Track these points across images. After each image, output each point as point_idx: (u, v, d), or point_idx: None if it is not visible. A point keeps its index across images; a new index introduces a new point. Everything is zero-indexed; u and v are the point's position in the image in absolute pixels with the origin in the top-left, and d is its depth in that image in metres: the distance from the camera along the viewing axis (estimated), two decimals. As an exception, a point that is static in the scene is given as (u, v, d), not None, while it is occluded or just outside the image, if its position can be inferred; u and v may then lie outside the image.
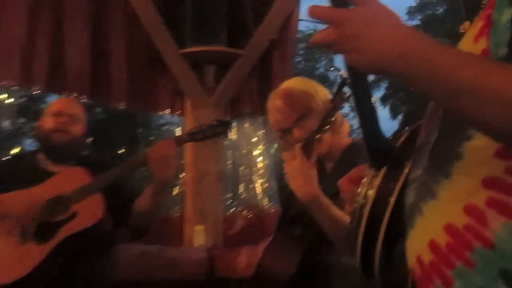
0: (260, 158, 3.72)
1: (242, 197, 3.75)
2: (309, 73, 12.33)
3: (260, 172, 3.66)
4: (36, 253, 2.23)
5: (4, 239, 2.23)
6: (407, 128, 1.05)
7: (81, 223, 2.25)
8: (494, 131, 0.73)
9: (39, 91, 3.18)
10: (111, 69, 3.29)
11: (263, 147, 3.81)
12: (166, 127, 4.17)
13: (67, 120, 2.41)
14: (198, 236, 3.58)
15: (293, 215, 1.93)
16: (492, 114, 0.70)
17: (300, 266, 1.82)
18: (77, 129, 2.43)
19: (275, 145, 3.88)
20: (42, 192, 2.28)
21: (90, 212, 2.28)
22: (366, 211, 0.98)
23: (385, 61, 0.74)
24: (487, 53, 0.79)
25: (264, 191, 3.64)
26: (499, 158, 0.78)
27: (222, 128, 2.33)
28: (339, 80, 1.84)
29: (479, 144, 0.79)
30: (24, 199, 2.27)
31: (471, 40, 0.84)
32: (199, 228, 3.57)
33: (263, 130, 3.70)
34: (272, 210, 3.62)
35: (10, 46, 3.03)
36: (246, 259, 2.32)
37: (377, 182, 0.99)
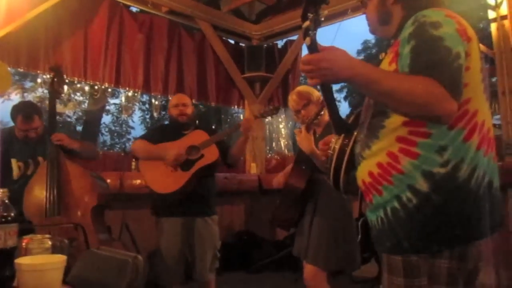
0: (283, 130, 5.92)
1: (274, 149, 5.90)
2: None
3: (283, 136, 5.87)
4: (183, 177, 2.85)
5: (165, 169, 2.88)
6: (354, 112, 1.46)
7: (207, 160, 2.90)
8: (401, 111, 1.15)
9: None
10: (208, 85, 5.35)
11: (285, 124, 5.96)
12: (235, 114, 6.06)
13: (182, 107, 3.07)
14: (253, 169, 5.65)
15: (302, 159, 2.50)
16: (399, 103, 1.11)
17: (306, 183, 2.45)
18: (190, 110, 3.09)
19: (290, 123, 6.20)
20: (183, 143, 2.93)
21: (211, 154, 2.91)
22: (335, 155, 1.40)
23: (342, 79, 1.12)
24: (396, 71, 1.20)
25: (285, 146, 5.89)
26: (404, 126, 1.19)
27: (275, 111, 3.06)
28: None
29: (393, 120, 1.21)
30: (175, 146, 2.91)
31: (387, 64, 1.25)
32: (253, 164, 5.65)
33: (284, 115, 5.92)
34: (290, 155, 5.80)
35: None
36: (277, 179, 2.68)
37: (339, 141, 1.40)
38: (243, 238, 5.20)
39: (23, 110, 2.76)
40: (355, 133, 1.39)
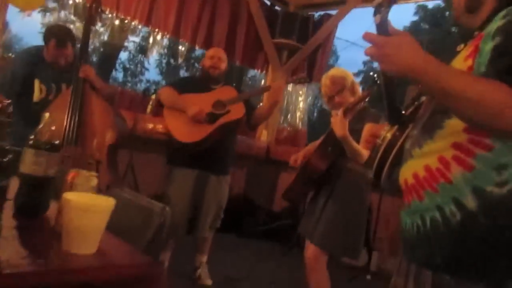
0: (301, 103, 5.83)
1: (288, 120, 5.84)
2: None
3: (300, 109, 5.80)
4: (206, 129, 2.86)
5: (190, 120, 2.88)
6: (415, 103, 1.36)
7: (232, 116, 2.91)
8: (464, 118, 1.03)
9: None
10: (237, 42, 5.30)
11: (304, 97, 5.86)
12: (256, 77, 6.08)
13: (217, 61, 3.06)
14: (264, 136, 5.65)
15: (330, 141, 2.41)
16: (467, 109, 0.99)
17: (328, 166, 2.39)
18: (223, 66, 3.10)
19: (310, 99, 6.10)
20: (210, 97, 2.97)
21: (237, 111, 2.93)
22: (383, 146, 1.34)
23: (405, 72, 1.01)
24: (471, 69, 1.06)
25: (300, 120, 5.82)
26: (465, 132, 1.06)
27: (307, 79, 3.10)
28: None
29: (454, 122, 1.07)
30: (200, 100, 2.93)
31: (462, 59, 1.12)
32: (265, 131, 5.62)
33: (305, 88, 5.83)
34: (303, 130, 5.81)
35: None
36: (296, 157, 2.60)
37: (391, 132, 1.35)
38: (240, 202, 5.20)
39: (57, 35, 2.66)
40: (409, 128, 1.28)
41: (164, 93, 3.04)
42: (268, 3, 5.69)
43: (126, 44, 13.92)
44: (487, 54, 1.01)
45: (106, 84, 3.03)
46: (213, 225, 3.08)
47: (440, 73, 0.99)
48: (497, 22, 1.04)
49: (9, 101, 0.97)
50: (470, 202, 1.03)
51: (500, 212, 1.01)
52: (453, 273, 1.07)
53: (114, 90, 3.20)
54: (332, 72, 2.58)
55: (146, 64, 16.36)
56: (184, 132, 2.85)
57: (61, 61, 2.71)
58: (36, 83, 2.70)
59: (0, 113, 0.97)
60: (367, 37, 1.04)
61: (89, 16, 2.71)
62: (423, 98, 1.31)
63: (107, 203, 1.01)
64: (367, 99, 2.34)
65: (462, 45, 1.21)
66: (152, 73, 16.18)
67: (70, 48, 2.71)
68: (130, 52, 15.51)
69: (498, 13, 1.07)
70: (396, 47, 1.01)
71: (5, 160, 0.97)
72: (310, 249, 2.39)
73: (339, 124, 2.19)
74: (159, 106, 3.08)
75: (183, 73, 16.84)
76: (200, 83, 3.11)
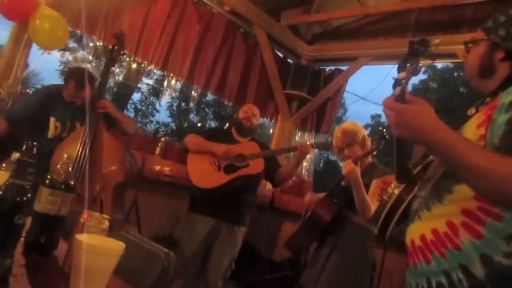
0: (309, 154, 5.86)
1: None
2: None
3: (306, 160, 5.77)
4: (223, 178, 2.97)
5: (209, 166, 3.03)
6: (423, 162, 1.35)
7: (250, 170, 3.01)
8: (475, 188, 1.05)
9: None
10: (248, 91, 5.33)
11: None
12: (265, 124, 6.07)
13: (251, 115, 3.25)
14: (268, 185, 5.50)
15: (336, 191, 2.47)
16: (480, 184, 1.01)
17: (333, 218, 2.39)
18: (255, 121, 3.28)
19: (316, 150, 5.85)
20: (234, 148, 3.06)
21: (256, 166, 3.02)
22: (390, 203, 1.35)
23: (419, 140, 1.04)
24: (484, 138, 1.07)
25: (306, 170, 5.87)
26: (475, 200, 1.07)
27: (330, 147, 2.96)
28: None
29: (465, 188, 1.08)
30: (225, 149, 3.05)
31: (475, 126, 1.12)
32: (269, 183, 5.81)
33: (313, 139, 5.82)
34: (308, 180, 5.82)
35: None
36: (309, 197, 2.68)
37: (399, 189, 1.35)
38: (240, 249, 5.10)
39: (77, 78, 2.76)
40: (417, 187, 1.30)
41: (191, 138, 3.17)
42: (282, 55, 5.84)
43: (139, 85, 14.26)
44: (501, 126, 1.03)
45: (125, 114, 3.15)
46: (225, 275, 3.09)
47: (459, 146, 1.01)
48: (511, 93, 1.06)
49: (35, 143, 1.00)
50: (478, 270, 1.03)
51: (507, 283, 1.01)
52: None
53: (132, 119, 3.26)
54: (344, 125, 2.62)
55: (157, 106, 16.68)
56: (203, 178, 2.96)
57: (79, 101, 2.79)
58: (52, 120, 2.78)
59: (25, 153, 0.99)
60: (387, 104, 1.07)
61: (111, 57, 2.79)
62: (431, 157, 1.32)
63: (118, 246, 1.03)
64: (375, 153, 2.36)
65: (473, 109, 1.23)
66: (162, 115, 16.41)
67: (88, 90, 2.79)
68: (142, 94, 15.85)
69: None
70: (414, 116, 1.04)
71: (24, 199, 0.98)
72: (311, 303, 2.34)
73: (353, 171, 2.22)
74: (184, 152, 3.21)
75: (192, 116, 17.11)
76: (226, 134, 3.25)
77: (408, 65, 1.09)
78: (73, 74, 2.80)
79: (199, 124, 16.24)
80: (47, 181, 1.13)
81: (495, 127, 1.05)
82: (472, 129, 1.13)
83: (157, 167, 4.12)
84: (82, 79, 2.75)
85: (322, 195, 2.67)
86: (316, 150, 5.84)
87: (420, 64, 1.08)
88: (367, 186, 2.21)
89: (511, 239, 1.02)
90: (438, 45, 1.12)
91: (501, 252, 1.02)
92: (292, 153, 3.24)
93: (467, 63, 1.31)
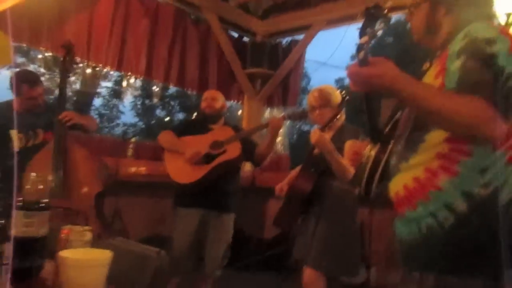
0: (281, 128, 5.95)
1: None
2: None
3: (280, 134, 5.55)
4: (202, 170, 2.96)
5: (185, 161, 2.98)
6: (391, 121, 1.42)
7: (227, 156, 2.97)
8: (446, 128, 1.14)
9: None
10: (210, 77, 5.26)
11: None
12: (232, 107, 6.05)
13: (211, 101, 3.21)
14: (247, 165, 5.32)
15: (310, 162, 2.52)
16: (446, 122, 1.11)
17: (313, 186, 2.43)
18: (218, 105, 3.22)
19: (288, 122, 5.96)
20: (208, 138, 3.06)
21: (233, 150, 2.97)
22: (369, 164, 1.41)
23: (388, 92, 1.14)
24: (443, 85, 1.17)
25: (281, 144, 5.87)
26: (446, 142, 1.17)
27: (305, 115, 2.89)
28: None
29: (434, 135, 1.19)
30: (199, 140, 3.06)
31: (433, 77, 1.24)
32: (248, 162, 5.71)
33: (283, 113, 5.82)
34: (284, 154, 5.88)
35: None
36: (281, 186, 2.69)
37: (375, 150, 1.42)
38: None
39: (27, 78, 2.78)
40: (391, 144, 1.37)
41: (163, 137, 3.16)
42: (236, 35, 5.78)
43: (99, 90, 13.92)
44: (455, 72, 1.13)
45: (86, 115, 3.13)
46: (222, 264, 3.09)
47: (422, 92, 1.12)
48: (459, 42, 1.16)
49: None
50: (461, 205, 1.13)
51: (488, 210, 1.11)
52: (454, 272, 1.14)
53: (92, 118, 3.38)
54: (323, 86, 2.66)
55: (121, 108, 16.35)
56: (181, 173, 2.95)
57: (37, 101, 2.78)
58: (13, 134, 2.71)
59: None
60: (353, 70, 1.16)
61: (64, 68, 2.76)
62: (398, 115, 1.40)
63: (104, 256, 1.00)
64: (339, 116, 2.40)
65: (427, 64, 1.34)
66: (128, 116, 16.11)
67: (41, 87, 2.82)
68: (104, 98, 15.48)
69: (457, 33, 1.20)
70: (381, 76, 1.13)
71: (-2, 226, 0.92)
72: (307, 274, 2.37)
73: (322, 140, 2.23)
74: (160, 150, 3.19)
75: (159, 112, 16.85)
76: (198, 125, 3.23)
77: (367, 29, 1.17)
78: (22, 78, 2.81)
79: (166, 119, 16.03)
80: (20, 204, 1.09)
81: (450, 74, 1.15)
82: (431, 81, 1.23)
83: (133, 169, 4.08)
84: (31, 77, 2.81)
85: (293, 172, 2.68)
86: (288, 122, 5.94)
87: (377, 27, 1.18)
88: (341, 150, 2.23)
89: (484, 171, 1.12)
90: (391, 7, 1.21)
91: (478, 185, 1.12)
92: (265, 130, 3.09)
93: (413, 26, 1.40)
